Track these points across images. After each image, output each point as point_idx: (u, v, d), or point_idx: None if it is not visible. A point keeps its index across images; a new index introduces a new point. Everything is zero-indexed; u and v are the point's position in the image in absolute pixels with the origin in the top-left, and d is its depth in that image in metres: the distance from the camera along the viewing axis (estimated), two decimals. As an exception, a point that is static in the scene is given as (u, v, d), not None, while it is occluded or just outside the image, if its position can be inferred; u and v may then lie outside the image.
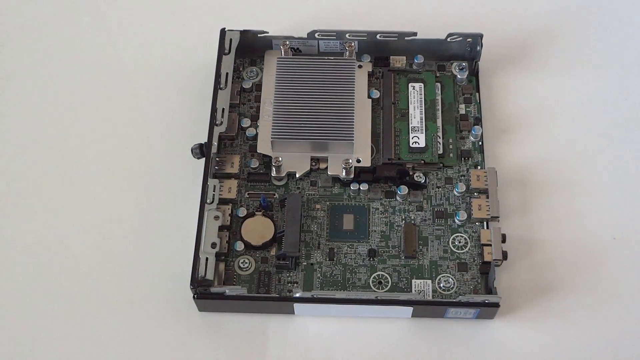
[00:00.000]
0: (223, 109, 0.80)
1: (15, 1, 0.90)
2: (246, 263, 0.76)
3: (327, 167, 0.79)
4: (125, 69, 0.87)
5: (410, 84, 0.83)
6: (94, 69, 0.87)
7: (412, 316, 0.74)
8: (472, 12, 0.89)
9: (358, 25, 0.84)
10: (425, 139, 0.80)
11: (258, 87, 0.83)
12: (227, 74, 0.81)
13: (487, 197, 0.77)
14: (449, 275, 0.75)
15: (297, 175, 0.79)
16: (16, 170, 0.82)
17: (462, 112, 0.82)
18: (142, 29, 0.89)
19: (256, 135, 0.80)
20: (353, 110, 0.79)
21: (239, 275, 0.75)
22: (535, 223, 0.78)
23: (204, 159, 0.78)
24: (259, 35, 0.83)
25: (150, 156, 0.82)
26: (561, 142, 0.82)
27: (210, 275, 0.73)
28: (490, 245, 0.75)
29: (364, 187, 0.78)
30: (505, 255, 0.75)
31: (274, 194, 0.79)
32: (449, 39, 0.83)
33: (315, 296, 0.73)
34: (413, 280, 0.75)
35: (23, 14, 0.90)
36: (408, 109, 0.82)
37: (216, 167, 0.78)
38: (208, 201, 0.76)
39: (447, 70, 0.84)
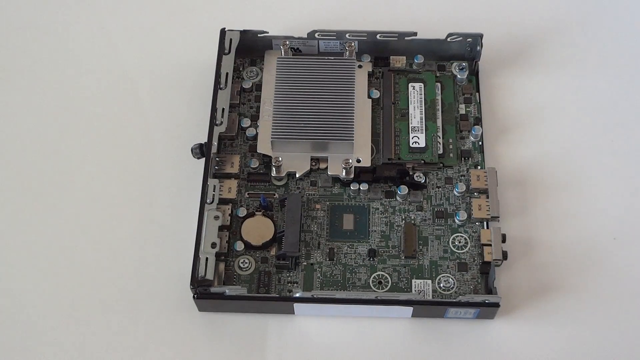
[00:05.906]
0: (223, 109, 0.80)
1: (15, 2, 0.90)
2: (246, 263, 0.76)
3: (327, 167, 0.79)
4: (126, 69, 0.87)
5: (410, 84, 0.83)
6: (94, 69, 0.87)
7: (412, 316, 0.74)
8: (472, 12, 0.89)
9: (358, 25, 0.84)
10: (425, 139, 0.80)
11: (258, 87, 0.83)
12: (227, 74, 0.81)
13: (487, 197, 0.77)
14: (449, 275, 0.75)
15: (297, 175, 0.79)
16: (17, 170, 0.82)
17: (462, 112, 0.82)
18: (142, 29, 0.89)
19: (256, 135, 0.80)
20: (353, 110, 0.79)
21: (239, 275, 0.75)
22: (535, 223, 0.78)
23: (204, 159, 0.78)
24: (259, 35, 0.83)
25: (150, 156, 0.82)
26: (561, 142, 0.82)
27: (210, 275, 0.73)
28: (490, 245, 0.75)
29: (364, 187, 0.78)
30: (505, 255, 0.75)
31: (274, 194, 0.79)
32: (449, 39, 0.83)
33: (315, 296, 0.73)
34: (413, 280, 0.75)
35: (23, 15, 0.90)
36: (408, 109, 0.82)
37: (216, 167, 0.78)
38: (208, 201, 0.76)
39: (447, 70, 0.84)
